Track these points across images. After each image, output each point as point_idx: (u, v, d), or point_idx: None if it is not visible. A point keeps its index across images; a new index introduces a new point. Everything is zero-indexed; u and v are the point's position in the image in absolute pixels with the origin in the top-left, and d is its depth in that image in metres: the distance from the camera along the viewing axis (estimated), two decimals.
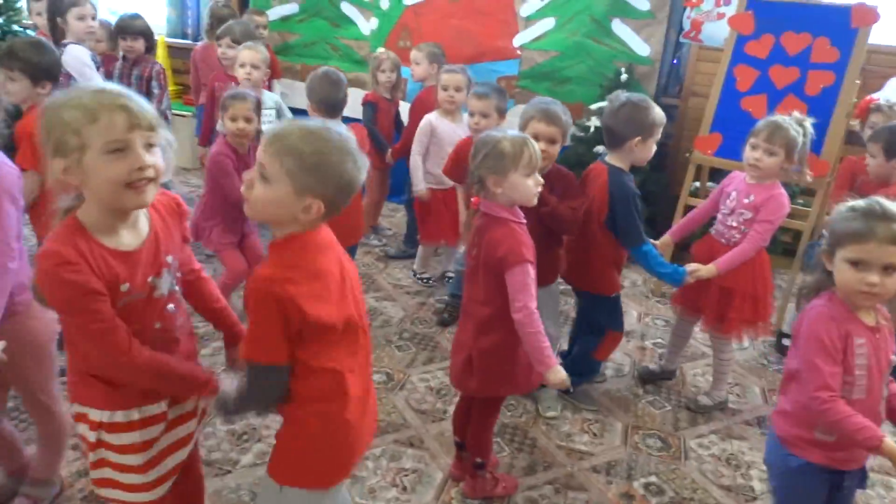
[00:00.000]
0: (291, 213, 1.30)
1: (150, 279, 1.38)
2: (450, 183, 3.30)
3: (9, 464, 2.00)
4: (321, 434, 1.41)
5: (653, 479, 2.37)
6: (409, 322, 3.36)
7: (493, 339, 1.94)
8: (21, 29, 5.76)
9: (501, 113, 3.06)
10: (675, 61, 4.60)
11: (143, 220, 1.40)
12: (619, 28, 4.51)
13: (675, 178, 4.42)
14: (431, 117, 3.51)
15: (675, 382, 2.99)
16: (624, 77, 4.29)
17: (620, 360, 3.14)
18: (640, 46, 4.50)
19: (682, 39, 4.52)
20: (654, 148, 2.51)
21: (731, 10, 4.28)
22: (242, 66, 3.53)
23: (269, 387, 1.36)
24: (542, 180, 1.94)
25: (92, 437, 1.43)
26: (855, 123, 3.39)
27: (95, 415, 1.42)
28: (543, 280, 2.54)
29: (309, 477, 1.45)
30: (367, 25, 5.10)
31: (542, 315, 2.44)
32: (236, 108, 2.90)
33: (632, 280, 4.06)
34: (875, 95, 3.78)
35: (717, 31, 4.40)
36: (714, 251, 2.62)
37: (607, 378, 2.98)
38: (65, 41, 3.39)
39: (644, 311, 3.71)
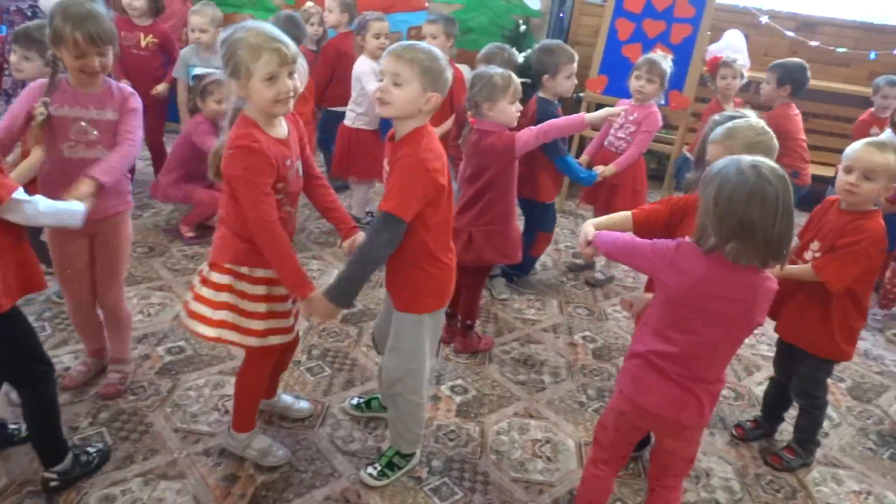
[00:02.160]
0: (417, 106, 1.80)
1: (294, 162, 1.86)
2: (375, 125, 3.86)
3: (92, 343, 2.35)
4: (438, 272, 1.94)
5: (587, 333, 3.15)
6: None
7: (491, 216, 2.60)
8: None
9: (449, 36, 3.73)
10: (561, 15, 5.34)
11: (282, 122, 1.87)
12: None
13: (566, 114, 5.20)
14: (363, 62, 3.85)
15: (586, 272, 3.79)
16: (522, 28, 4.98)
17: (544, 259, 3.89)
18: (532, 1, 5.20)
19: None
20: (570, 82, 3.19)
21: None
22: (192, 30, 3.81)
23: (392, 237, 1.80)
24: (521, 107, 2.56)
25: (223, 279, 1.86)
26: (706, 75, 4.26)
27: (230, 266, 1.86)
28: None
29: (434, 301, 1.98)
30: None
31: None
32: (221, 92, 3.40)
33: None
34: (714, 46, 4.72)
35: None
36: (608, 158, 3.44)
37: (538, 271, 3.71)
38: None
39: None
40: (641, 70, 3.35)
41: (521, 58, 4.49)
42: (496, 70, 2.52)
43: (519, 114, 2.57)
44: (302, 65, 1.86)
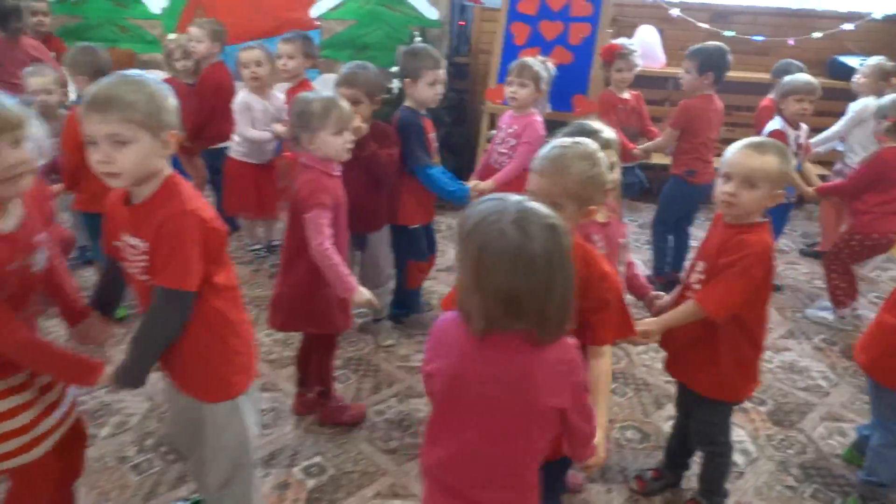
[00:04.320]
0: (157, 154, 1.46)
1: (26, 258, 1.49)
2: (265, 158, 3.53)
3: None
4: (240, 342, 1.64)
5: None
6: (246, 288, 3.52)
7: (295, 278, 2.21)
8: None
9: (307, 55, 3.44)
10: (463, 23, 5.04)
11: (17, 205, 1.50)
12: None
13: (475, 129, 4.90)
14: (242, 96, 3.55)
15: None
16: (418, 40, 4.65)
17: (443, 291, 3.56)
18: (430, 11, 4.89)
19: (465, 2, 4.97)
20: (433, 90, 2.82)
21: None
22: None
23: (182, 313, 1.51)
24: (352, 137, 2.20)
25: None
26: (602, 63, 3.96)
27: None
28: (373, 225, 2.86)
29: (245, 377, 1.67)
30: (157, 3, 5.00)
31: (377, 257, 2.71)
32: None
33: (448, 223, 4.48)
34: (621, 40, 4.43)
35: None
36: (491, 174, 3.10)
37: (434, 307, 3.37)
38: None
39: None
40: (512, 75, 3.06)
41: None
42: (316, 95, 2.17)
43: (351, 145, 2.20)
44: (38, 131, 1.46)
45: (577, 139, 1.63)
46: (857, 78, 3.94)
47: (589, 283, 1.56)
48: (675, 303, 2.02)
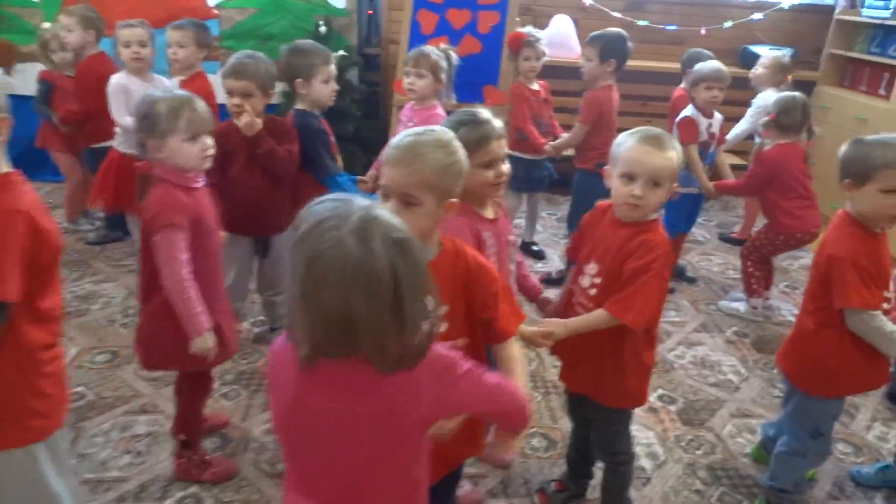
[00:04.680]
0: None
1: None
2: None
3: None
4: (50, 381, 1.44)
5: None
6: (134, 299, 3.25)
7: (152, 310, 1.89)
8: None
9: (201, 45, 3.17)
10: (371, 12, 4.83)
11: None
12: None
13: (388, 122, 4.72)
14: (118, 78, 3.25)
15: None
16: (323, 30, 4.43)
17: None
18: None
19: None
20: (328, 88, 2.62)
21: None
22: None
23: None
24: (211, 143, 1.89)
25: None
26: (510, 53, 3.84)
27: None
28: (276, 227, 2.61)
29: (47, 422, 1.46)
30: None
31: (281, 260, 2.52)
32: None
33: None
34: (527, 28, 4.32)
35: None
36: None
37: None
38: None
39: None
40: (409, 65, 2.89)
41: None
42: (164, 94, 1.88)
43: (210, 151, 1.88)
44: None
45: (431, 126, 1.47)
46: (755, 70, 3.95)
47: (469, 279, 1.42)
48: (563, 304, 1.90)
